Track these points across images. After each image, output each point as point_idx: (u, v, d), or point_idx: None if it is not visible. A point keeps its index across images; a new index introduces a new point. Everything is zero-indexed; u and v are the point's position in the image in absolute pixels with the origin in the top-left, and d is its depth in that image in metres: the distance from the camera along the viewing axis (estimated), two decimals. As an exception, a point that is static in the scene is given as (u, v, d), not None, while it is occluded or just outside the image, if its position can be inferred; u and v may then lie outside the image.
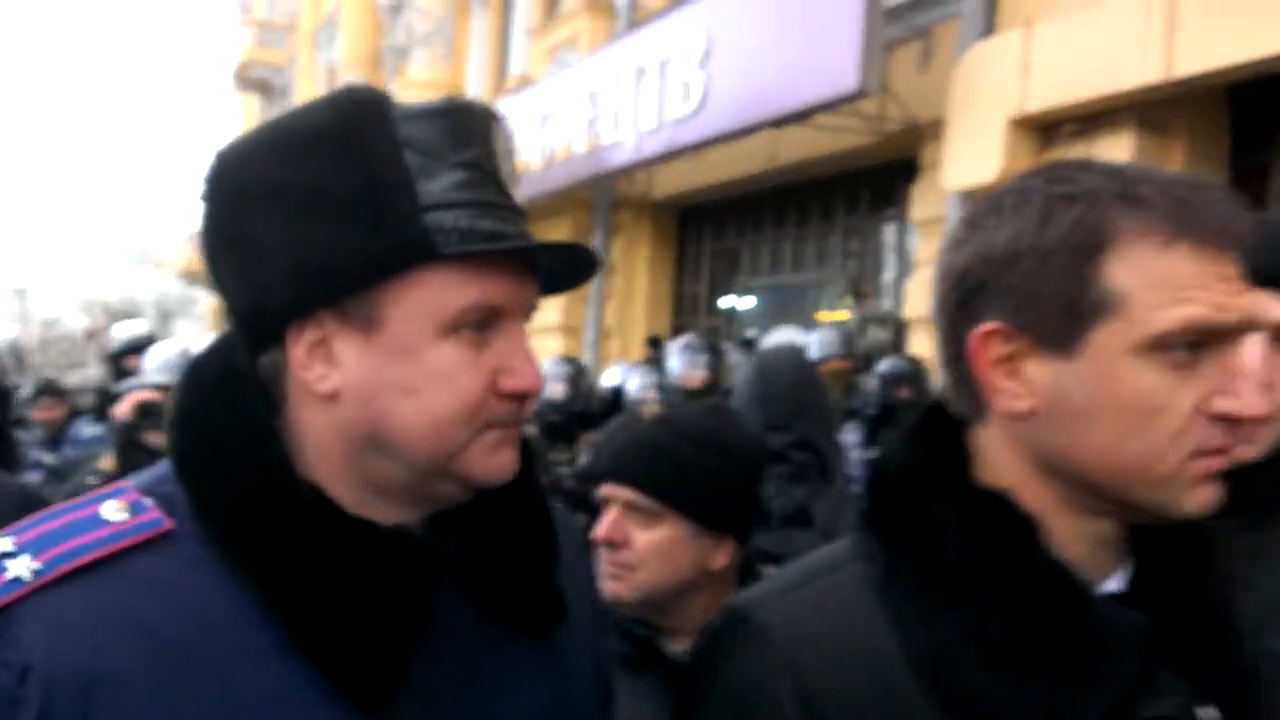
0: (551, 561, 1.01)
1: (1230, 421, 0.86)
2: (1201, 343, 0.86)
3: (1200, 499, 0.88)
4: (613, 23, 11.48)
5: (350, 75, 18.14)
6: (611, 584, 1.64)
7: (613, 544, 1.64)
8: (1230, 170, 6.33)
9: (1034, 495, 0.92)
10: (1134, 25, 5.70)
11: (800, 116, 7.72)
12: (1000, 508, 0.91)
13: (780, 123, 7.94)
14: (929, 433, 0.99)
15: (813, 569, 0.99)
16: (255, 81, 25.89)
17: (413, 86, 15.18)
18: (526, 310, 0.93)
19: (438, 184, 0.86)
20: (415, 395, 0.87)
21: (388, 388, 0.87)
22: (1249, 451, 1.32)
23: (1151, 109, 6.01)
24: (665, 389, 5.13)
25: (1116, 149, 6.11)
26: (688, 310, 12.16)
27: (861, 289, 9.47)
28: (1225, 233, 0.87)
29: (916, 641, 0.89)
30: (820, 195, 10.05)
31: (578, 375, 5.45)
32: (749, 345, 7.84)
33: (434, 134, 0.87)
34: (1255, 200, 6.31)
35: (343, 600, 0.85)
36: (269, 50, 25.07)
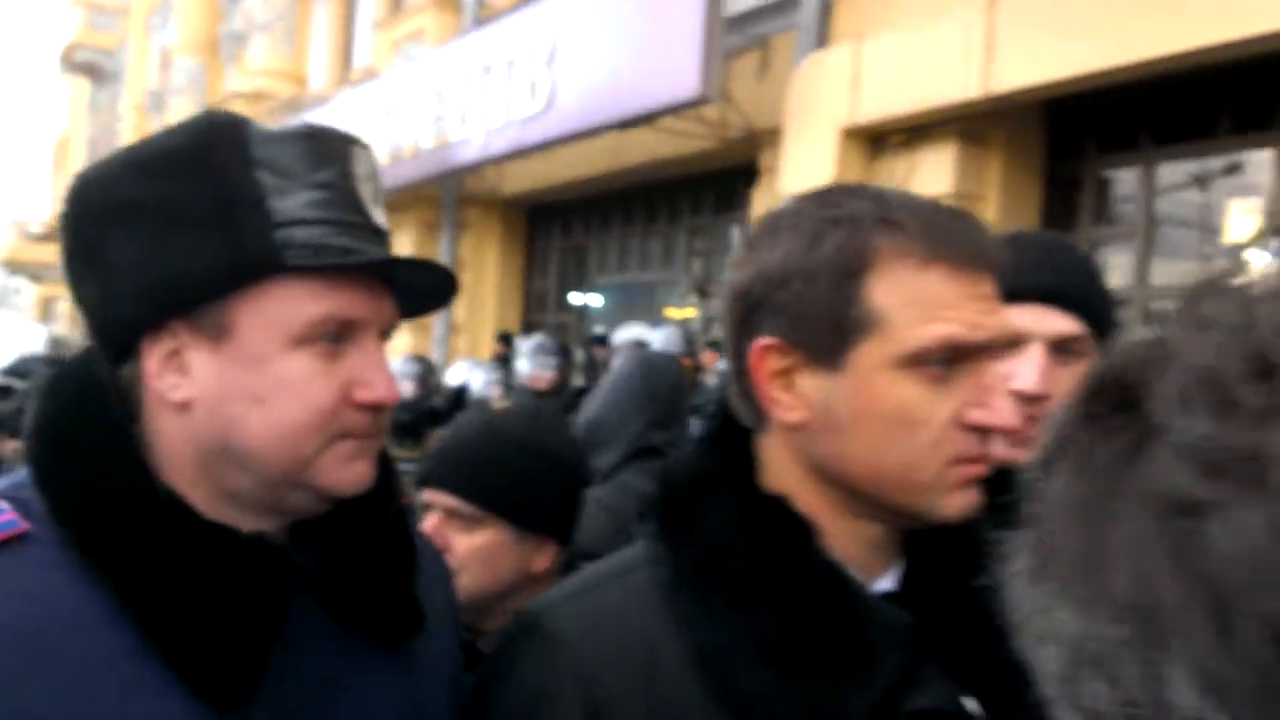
0: (410, 573, 1.04)
1: (984, 431, 0.92)
2: (957, 358, 0.91)
3: (958, 503, 0.94)
4: (459, 18, 11.35)
5: (185, 61, 17.35)
6: None
7: None
8: (1045, 180, 6.75)
9: (810, 501, 0.96)
10: (955, 43, 6.01)
11: (644, 120, 7.82)
12: (779, 512, 0.96)
13: (625, 125, 8.04)
14: (719, 440, 1.03)
15: (604, 574, 1.03)
16: (84, 65, 24.52)
17: (251, 74, 14.63)
18: (383, 326, 0.95)
19: (291, 202, 0.89)
20: (263, 405, 0.89)
21: (237, 397, 0.89)
22: (1023, 457, 1.43)
23: (971, 122, 6.35)
24: (514, 389, 5.14)
25: (939, 160, 6.43)
26: (537, 306, 12.17)
27: (707, 288, 9.68)
28: (976, 255, 0.93)
29: (698, 642, 0.92)
30: (666, 196, 10.21)
31: (427, 373, 5.42)
32: (601, 342, 7.92)
33: (290, 156, 0.90)
34: (1068, 208, 6.76)
35: (198, 603, 0.87)
36: (100, 33, 23.80)
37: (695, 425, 5.12)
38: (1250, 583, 0.33)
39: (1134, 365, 0.40)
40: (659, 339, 5.99)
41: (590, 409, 2.73)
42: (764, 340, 0.95)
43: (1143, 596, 0.36)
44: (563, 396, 4.92)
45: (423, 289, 1.00)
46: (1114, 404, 0.40)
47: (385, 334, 0.96)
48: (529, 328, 11.58)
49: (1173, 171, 6.39)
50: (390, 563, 1.02)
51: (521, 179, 10.89)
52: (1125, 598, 0.37)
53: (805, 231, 0.94)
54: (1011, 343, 0.95)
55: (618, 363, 2.87)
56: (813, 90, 6.87)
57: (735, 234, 8.60)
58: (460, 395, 5.52)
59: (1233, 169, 6.21)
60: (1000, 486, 1.48)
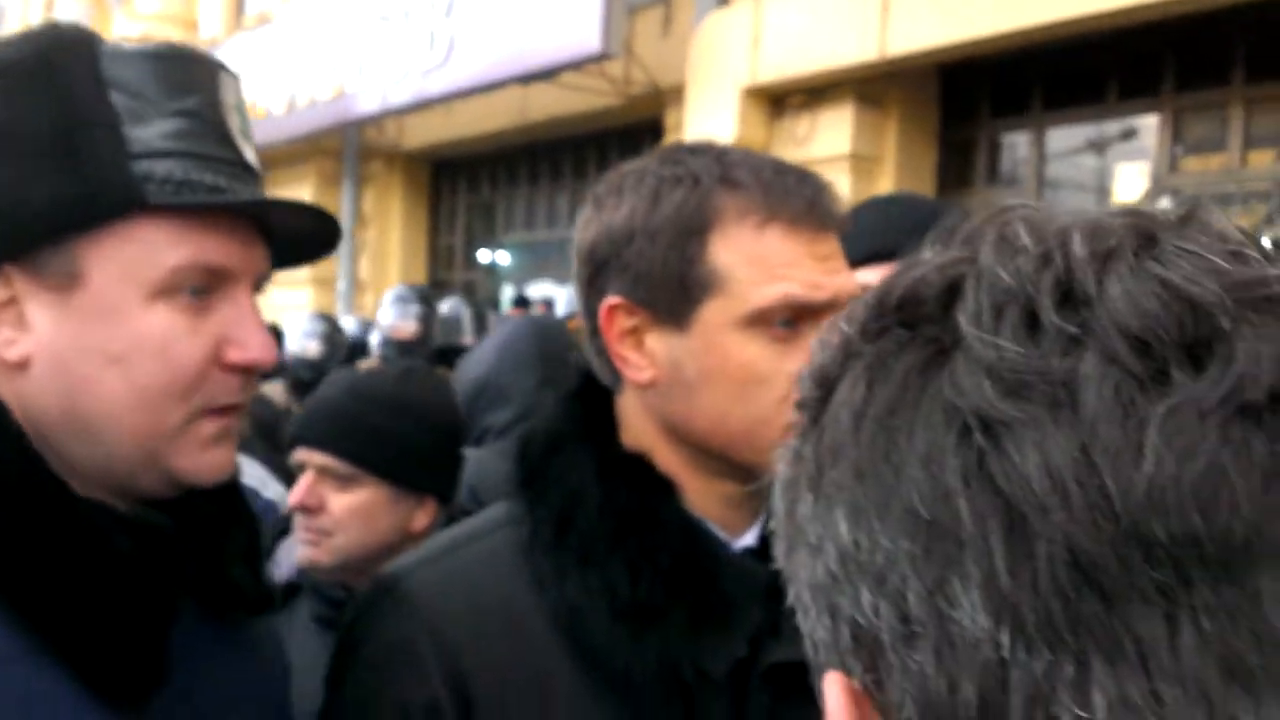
0: (257, 549, 0.96)
1: None
2: (800, 317, 0.91)
3: None
4: (358, -36, 10.99)
5: (70, 3, 16.52)
6: (308, 550, 1.62)
7: (308, 509, 1.62)
8: (939, 142, 6.83)
9: (668, 459, 0.96)
10: (852, 5, 6.01)
11: (546, 74, 7.70)
12: (637, 469, 0.96)
13: (527, 79, 7.90)
14: (579, 399, 1.03)
15: (464, 535, 1.02)
16: (-41, 3, 23.13)
17: (140, 19, 13.98)
18: (257, 277, 0.85)
19: (150, 130, 0.77)
20: (121, 364, 0.76)
21: (88, 355, 0.76)
22: None
23: (868, 84, 6.38)
24: (383, 342, 5.03)
25: (838, 121, 6.46)
26: (444, 263, 11.98)
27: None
28: (817, 215, 0.93)
29: (553, 600, 0.92)
30: (573, 152, 10.09)
31: (333, 332, 5.27)
32: (523, 304, 7.85)
33: (148, 77, 0.78)
34: (962, 170, 6.85)
35: (90, 596, 0.77)
36: (-23, -32, 22.45)
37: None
38: (1050, 506, 0.33)
39: (936, 280, 0.39)
40: (564, 298, 5.98)
41: (474, 368, 2.72)
42: (611, 300, 0.94)
43: (937, 511, 0.35)
44: (426, 347, 4.82)
45: (300, 236, 0.89)
46: (911, 317, 0.39)
47: (258, 286, 0.85)
48: (435, 285, 11.40)
49: (1065, 135, 6.52)
50: (239, 539, 0.94)
51: (424, 132, 10.65)
52: (917, 511, 0.36)
53: (647, 190, 0.94)
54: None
55: (502, 324, 2.85)
56: (714, 49, 6.82)
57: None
58: (357, 350, 5.40)
59: (1124, 134, 6.35)
60: None
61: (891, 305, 0.40)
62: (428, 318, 4.81)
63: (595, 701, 0.90)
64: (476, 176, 11.52)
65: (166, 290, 0.78)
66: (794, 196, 0.92)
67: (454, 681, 0.90)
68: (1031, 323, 0.36)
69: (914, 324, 0.39)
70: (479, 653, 0.91)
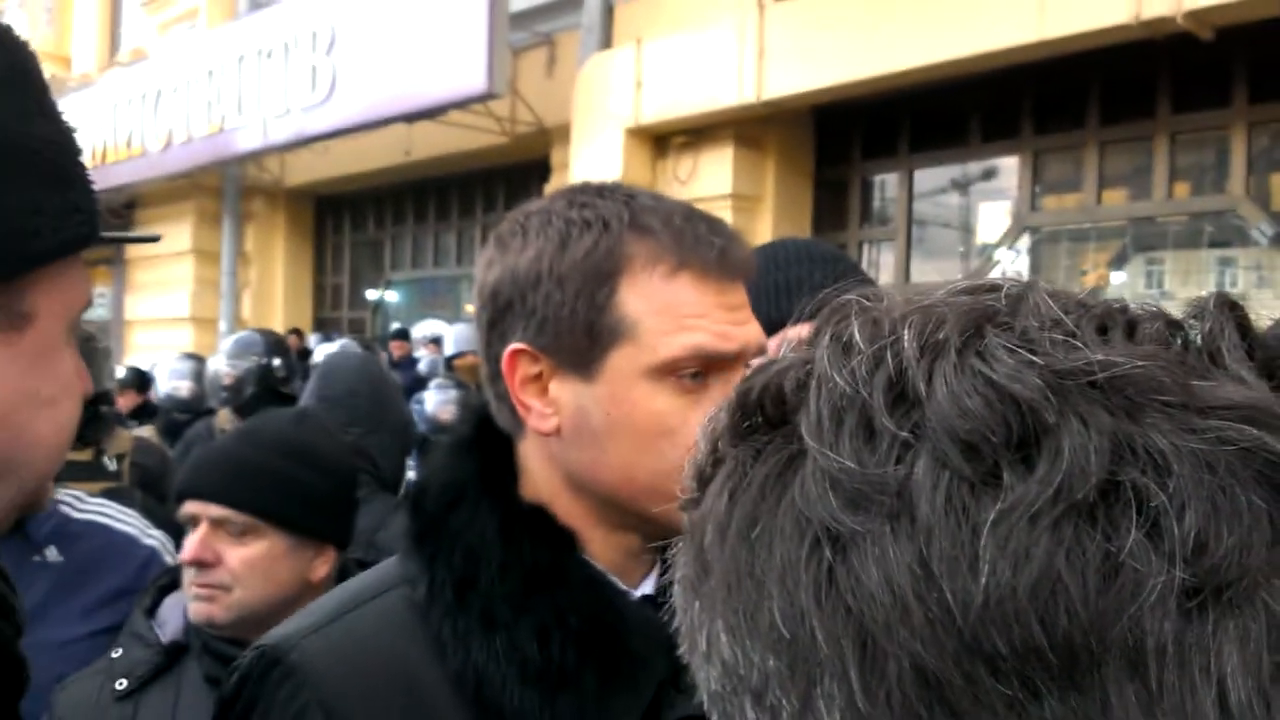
0: (18, 625, 0.89)
1: None
2: (708, 368, 0.89)
3: None
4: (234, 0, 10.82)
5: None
6: (203, 606, 1.55)
7: (203, 564, 1.55)
8: (815, 182, 7.05)
9: (570, 510, 0.93)
10: (730, 49, 6.19)
11: (431, 113, 7.69)
12: (539, 522, 0.92)
13: (411, 118, 7.87)
14: (476, 447, 0.98)
15: (354, 596, 0.94)
16: None
17: (7, 51, 13.47)
18: None
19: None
20: (53, 407, 0.72)
21: (26, 400, 0.71)
22: None
23: (747, 126, 6.55)
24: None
25: (719, 161, 6.62)
26: (330, 302, 11.77)
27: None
28: (725, 263, 0.90)
29: (457, 665, 0.87)
30: (460, 190, 10.08)
31: (205, 371, 5.14)
32: (402, 337, 7.77)
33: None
34: (837, 210, 7.08)
35: None
36: None
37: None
38: (894, 622, 0.32)
39: (789, 381, 0.39)
40: (450, 336, 5.96)
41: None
42: (515, 345, 0.91)
43: (795, 629, 0.35)
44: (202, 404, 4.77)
45: None
46: (766, 421, 0.39)
47: None
48: (320, 324, 11.19)
49: (932, 176, 6.80)
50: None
51: (307, 169, 10.50)
52: (778, 629, 0.35)
53: (555, 234, 0.90)
54: (759, 355, 0.93)
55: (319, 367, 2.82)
56: (598, 90, 6.93)
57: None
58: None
59: (986, 174, 6.66)
60: None
61: (753, 405, 0.40)
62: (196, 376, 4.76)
63: None
64: (362, 214, 11.39)
65: (73, 328, 0.74)
66: (704, 245, 0.90)
67: None
68: (868, 428, 0.35)
69: (771, 426, 0.39)
70: None
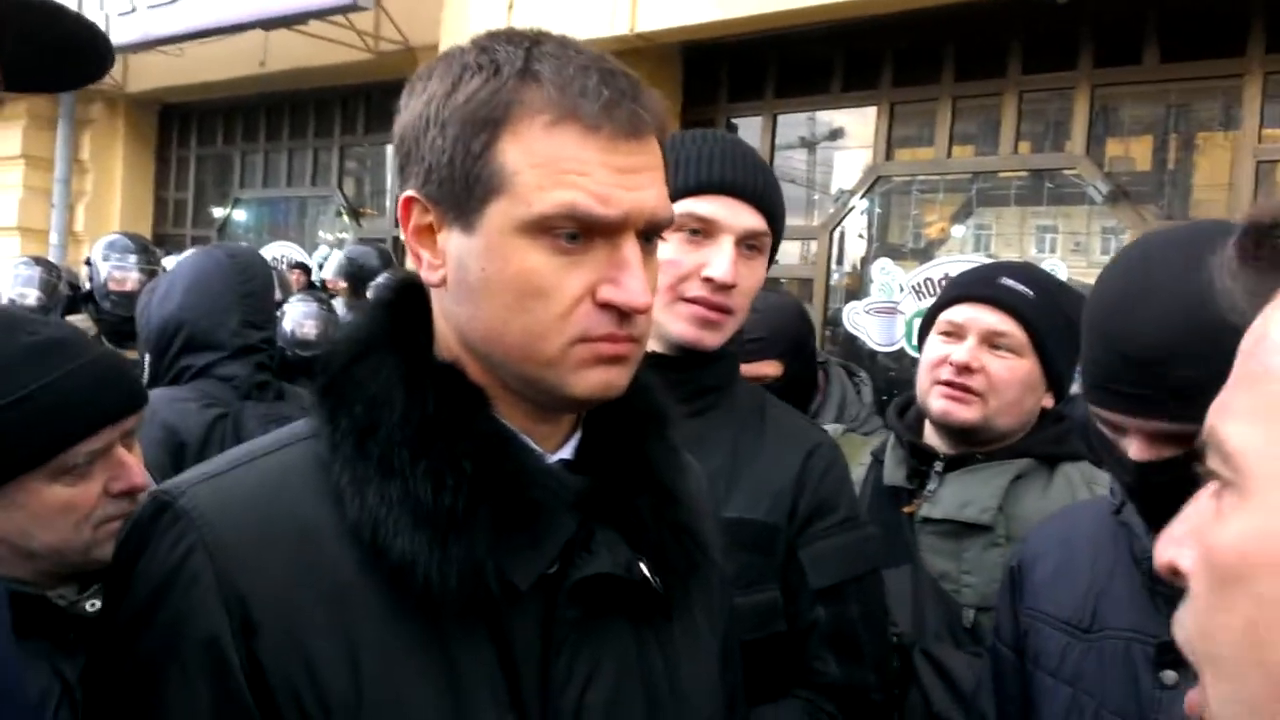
0: None
1: (619, 312, 0.86)
2: (589, 231, 0.85)
3: (590, 382, 0.88)
4: (78, -115, 10.06)
5: None
6: None
7: None
8: (681, 121, 7.10)
9: (474, 368, 0.91)
10: (604, -22, 6.14)
11: (289, 21, 7.38)
12: (450, 378, 0.90)
13: (268, 25, 7.54)
14: (389, 308, 0.97)
15: (254, 450, 0.94)
16: None
17: None
18: None
19: None
20: None
21: None
22: (710, 340, 1.45)
23: (619, 59, 6.52)
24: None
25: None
26: (172, 218, 11.21)
27: (360, 210, 9.35)
28: (616, 118, 0.84)
29: (353, 513, 0.86)
30: (317, 108, 9.71)
31: (52, 278, 4.84)
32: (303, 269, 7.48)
33: None
34: (702, 150, 7.15)
35: None
36: None
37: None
38: None
39: None
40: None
41: (162, 305, 2.60)
42: (408, 192, 0.89)
43: None
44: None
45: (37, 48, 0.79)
46: None
47: None
48: (160, 240, 10.66)
49: (793, 122, 6.95)
50: None
51: (152, 75, 9.90)
52: None
53: (450, 76, 0.87)
54: (652, 225, 0.89)
55: (181, 261, 2.73)
56: (467, 10, 6.77)
57: (391, 155, 8.37)
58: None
59: (842, 124, 6.86)
60: (686, 365, 1.48)
61: None
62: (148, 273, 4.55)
63: (396, 619, 0.85)
64: (211, 127, 10.85)
65: None
66: (590, 96, 0.84)
67: (233, 604, 0.82)
68: None
69: None
70: (262, 571, 0.84)
